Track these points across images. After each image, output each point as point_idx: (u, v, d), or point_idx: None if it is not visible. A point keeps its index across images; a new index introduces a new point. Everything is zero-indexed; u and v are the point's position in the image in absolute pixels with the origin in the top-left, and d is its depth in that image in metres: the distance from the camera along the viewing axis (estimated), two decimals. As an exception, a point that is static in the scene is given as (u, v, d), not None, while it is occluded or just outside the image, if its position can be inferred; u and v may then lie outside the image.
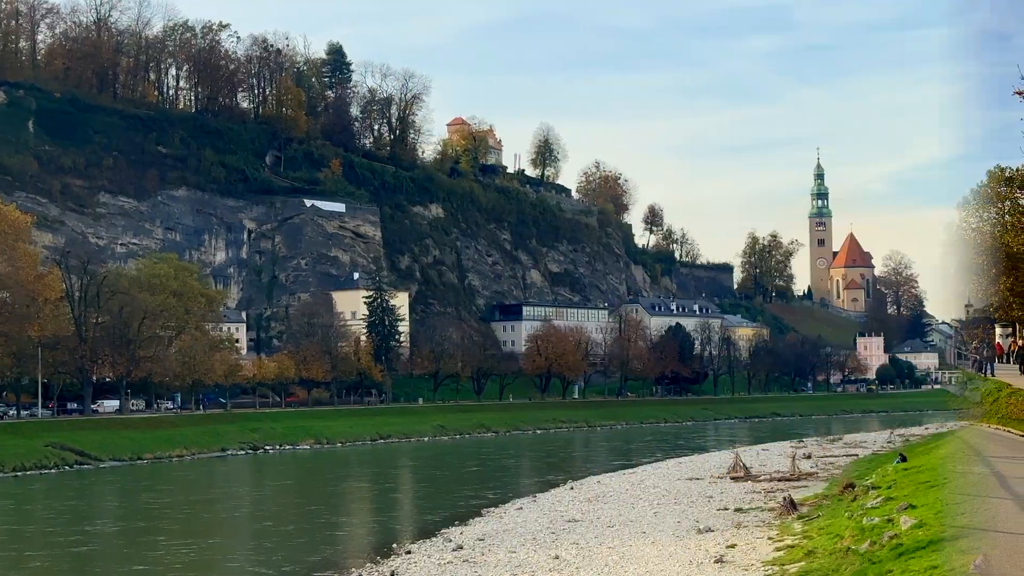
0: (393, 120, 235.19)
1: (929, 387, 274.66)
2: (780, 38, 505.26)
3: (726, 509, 53.69)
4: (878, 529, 36.14)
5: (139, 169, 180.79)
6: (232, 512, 68.62)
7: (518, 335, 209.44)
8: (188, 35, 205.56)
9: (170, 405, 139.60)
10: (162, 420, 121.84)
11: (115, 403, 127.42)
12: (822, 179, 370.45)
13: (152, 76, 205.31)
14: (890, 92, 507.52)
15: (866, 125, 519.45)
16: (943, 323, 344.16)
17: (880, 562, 29.87)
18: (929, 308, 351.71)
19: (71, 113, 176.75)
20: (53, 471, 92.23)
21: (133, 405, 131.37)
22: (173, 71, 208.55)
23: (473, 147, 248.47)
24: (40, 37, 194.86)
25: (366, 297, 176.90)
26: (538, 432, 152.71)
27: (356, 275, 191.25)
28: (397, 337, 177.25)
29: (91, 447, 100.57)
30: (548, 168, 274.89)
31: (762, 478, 70.07)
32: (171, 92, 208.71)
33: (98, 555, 51.39)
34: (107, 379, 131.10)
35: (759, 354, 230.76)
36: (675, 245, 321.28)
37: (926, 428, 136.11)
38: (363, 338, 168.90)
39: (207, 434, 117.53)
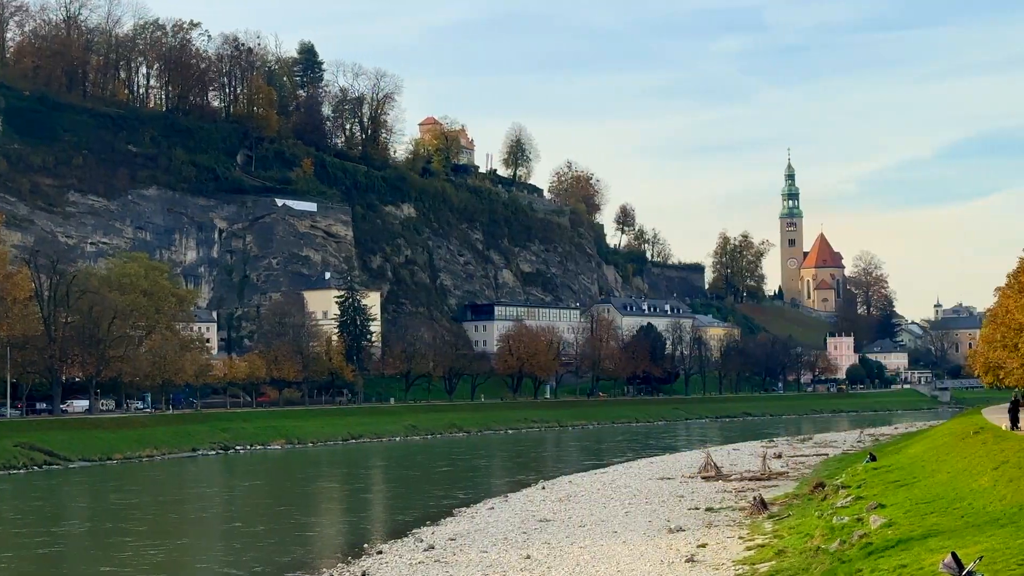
0: (365, 120, 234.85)
1: (899, 387, 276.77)
2: (751, 39, 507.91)
3: (697, 508, 53.83)
4: (848, 528, 36.32)
5: (109, 168, 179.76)
6: (202, 512, 68.28)
7: (490, 335, 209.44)
8: (159, 34, 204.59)
9: (140, 405, 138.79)
10: (132, 420, 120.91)
11: (85, 403, 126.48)
12: (793, 180, 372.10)
13: (122, 75, 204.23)
14: (861, 93, 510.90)
15: (837, 126, 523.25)
16: (912, 323, 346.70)
17: (850, 561, 29.99)
18: (899, 308, 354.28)
19: (40, 111, 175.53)
20: (22, 471, 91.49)
21: (103, 405, 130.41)
22: (144, 70, 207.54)
23: (445, 147, 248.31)
24: (9, 35, 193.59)
25: (338, 297, 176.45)
26: (510, 432, 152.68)
27: (328, 275, 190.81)
28: (369, 337, 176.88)
29: (60, 447, 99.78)
30: (520, 168, 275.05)
31: (733, 478, 70.32)
32: (141, 91, 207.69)
33: (66, 556, 51.03)
34: (76, 379, 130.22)
35: (730, 354, 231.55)
36: (647, 245, 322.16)
37: (896, 428, 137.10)
38: (335, 338, 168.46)
39: (177, 434, 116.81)
